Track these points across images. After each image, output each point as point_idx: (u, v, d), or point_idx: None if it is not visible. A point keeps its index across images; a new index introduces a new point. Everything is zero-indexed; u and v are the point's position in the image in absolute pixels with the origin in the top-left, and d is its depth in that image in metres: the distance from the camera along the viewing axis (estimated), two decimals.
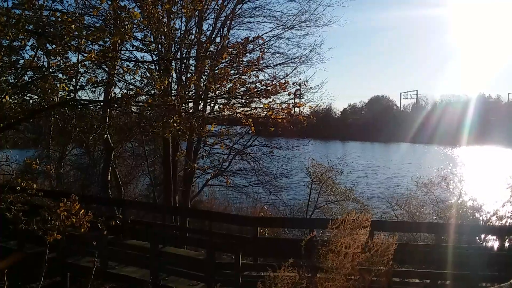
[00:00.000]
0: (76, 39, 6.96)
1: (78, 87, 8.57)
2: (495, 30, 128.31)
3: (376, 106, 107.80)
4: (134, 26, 7.89)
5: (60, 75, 7.26)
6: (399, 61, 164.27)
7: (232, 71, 10.34)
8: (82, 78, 8.69)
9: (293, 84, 10.99)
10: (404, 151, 74.17)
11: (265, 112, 9.57)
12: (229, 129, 15.09)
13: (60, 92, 7.39)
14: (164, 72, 8.94)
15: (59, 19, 6.89)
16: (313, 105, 16.74)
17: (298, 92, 11.95)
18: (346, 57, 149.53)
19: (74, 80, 8.17)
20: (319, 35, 19.24)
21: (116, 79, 8.63)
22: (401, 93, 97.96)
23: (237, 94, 8.74)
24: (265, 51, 15.21)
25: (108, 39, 7.42)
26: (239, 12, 16.55)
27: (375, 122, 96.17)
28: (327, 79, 17.24)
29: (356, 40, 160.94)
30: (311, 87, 14.41)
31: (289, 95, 10.87)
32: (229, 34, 16.40)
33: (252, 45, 14.55)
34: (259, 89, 8.81)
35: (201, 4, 9.24)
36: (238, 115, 9.75)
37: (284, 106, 11.09)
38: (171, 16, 8.89)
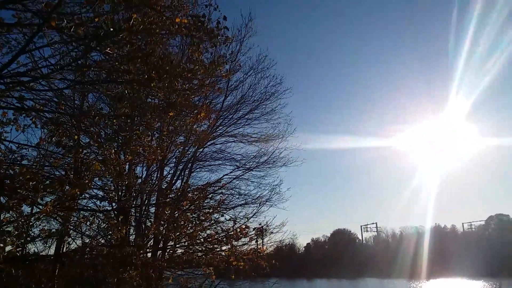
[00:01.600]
0: (33, 192, 6.86)
1: (28, 239, 8.14)
2: (447, 163, 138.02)
3: (339, 240, 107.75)
4: (95, 175, 7.96)
5: (10, 229, 6.95)
6: (357, 194, 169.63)
7: (193, 216, 10.30)
8: (33, 228, 8.33)
9: (253, 229, 10.97)
10: None
11: (226, 255, 9.33)
12: (188, 276, 14.38)
13: (7, 247, 6.98)
14: (123, 221, 8.75)
15: (17, 171, 6.87)
16: (275, 245, 16.49)
17: (260, 237, 11.86)
18: (307, 192, 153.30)
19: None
20: (278, 176, 19.66)
21: (71, 227, 8.34)
22: (361, 226, 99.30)
23: (198, 241, 8.60)
24: (226, 193, 15.45)
25: (66, 189, 7.36)
26: (200, 155, 17.17)
27: (339, 257, 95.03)
28: (287, 219, 17.25)
29: (317, 175, 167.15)
30: (271, 232, 14.34)
31: (250, 240, 10.75)
32: (191, 176, 16.73)
33: (213, 188, 14.84)
34: (220, 236, 8.72)
35: (162, 154, 9.57)
36: (198, 259, 9.43)
37: (245, 249, 10.89)
38: (133, 165, 9.09)
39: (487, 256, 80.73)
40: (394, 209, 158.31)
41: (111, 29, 6.52)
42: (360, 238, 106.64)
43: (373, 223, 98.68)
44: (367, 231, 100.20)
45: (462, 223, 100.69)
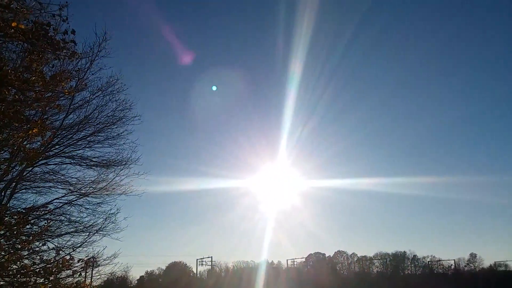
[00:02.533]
0: None
1: None
2: (279, 204, 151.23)
3: (174, 273, 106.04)
4: None
5: None
6: (195, 227, 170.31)
7: (7, 243, 9.00)
8: None
9: (79, 261, 10.01)
10: None
11: None
12: None
13: None
14: None
15: None
16: (106, 278, 15.47)
17: (86, 269, 10.90)
18: (142, 224, 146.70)
19: None
20: (115, 204, 18.40)
21: None
22: (197, 260, 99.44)
23: (9, 273, 7.50)
24: (53, 219, 13.99)
25: None
26: (28, 175, 15.30)
27: None
28: (120, 250, 16.27)
29: (154, 206, 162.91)
30: (99, 264, 13.29)
31: (73, 274, 9.77)
32: (13, 197, 14.71)
33: (38, 212, 13.30)
34: (38, 267, 7.76)
35: None
36: None
37: (68, 281, 9.89)
38: None
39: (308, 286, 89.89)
40: (232, 245, 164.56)
41: None
42: (195, 271, 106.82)
43: (208, 257, 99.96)
44: (202, 264, 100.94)
45: (287, 260, 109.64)
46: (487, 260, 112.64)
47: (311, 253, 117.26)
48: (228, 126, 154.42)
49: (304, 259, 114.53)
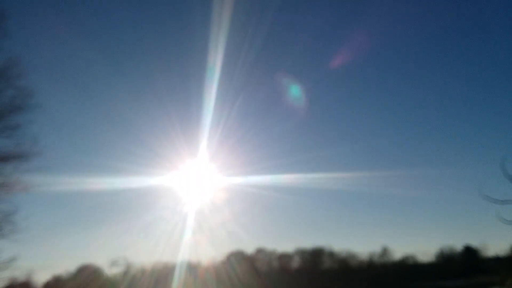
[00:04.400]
0: None
1: None
2: (198, 200, 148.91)
3: (84, 276, 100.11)
4: None
5: None
6: (109, 228, 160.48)
7: None
8: None
9: None
10: None
11: None
12: None
13: None
14: None
15: None
16: (4, 283, 13.21)
17: None
18: (49, 224, 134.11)
19: None
20: (14, 203, 15.68)
21: None
22: (111, 261, 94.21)
23: None
24: None
25: None
26: None
27: None
28: (21, 252, 14.50)
29: (62, 205, 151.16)
30: None
31: None
32: None
33: None
34: None
35: None
36: None
37: None
38: None
39: (227, 286, 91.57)
40: (150, 246, 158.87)
41: None
42: (108, 273, 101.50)
43: (123, 258, 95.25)
44: (116, 266, 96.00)
45: (207, 259, 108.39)
46: (397, 253, 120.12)
47: (232, 252, 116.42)
48: (145, 120, 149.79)
49: (224, 258, 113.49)
